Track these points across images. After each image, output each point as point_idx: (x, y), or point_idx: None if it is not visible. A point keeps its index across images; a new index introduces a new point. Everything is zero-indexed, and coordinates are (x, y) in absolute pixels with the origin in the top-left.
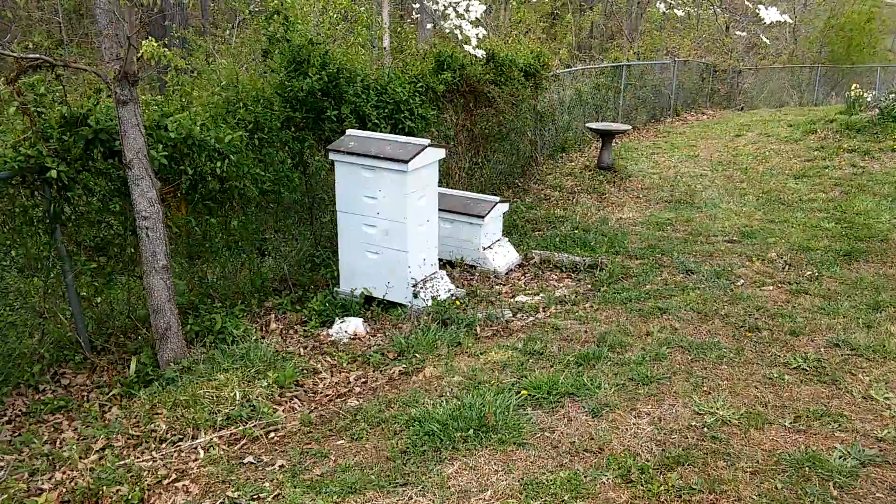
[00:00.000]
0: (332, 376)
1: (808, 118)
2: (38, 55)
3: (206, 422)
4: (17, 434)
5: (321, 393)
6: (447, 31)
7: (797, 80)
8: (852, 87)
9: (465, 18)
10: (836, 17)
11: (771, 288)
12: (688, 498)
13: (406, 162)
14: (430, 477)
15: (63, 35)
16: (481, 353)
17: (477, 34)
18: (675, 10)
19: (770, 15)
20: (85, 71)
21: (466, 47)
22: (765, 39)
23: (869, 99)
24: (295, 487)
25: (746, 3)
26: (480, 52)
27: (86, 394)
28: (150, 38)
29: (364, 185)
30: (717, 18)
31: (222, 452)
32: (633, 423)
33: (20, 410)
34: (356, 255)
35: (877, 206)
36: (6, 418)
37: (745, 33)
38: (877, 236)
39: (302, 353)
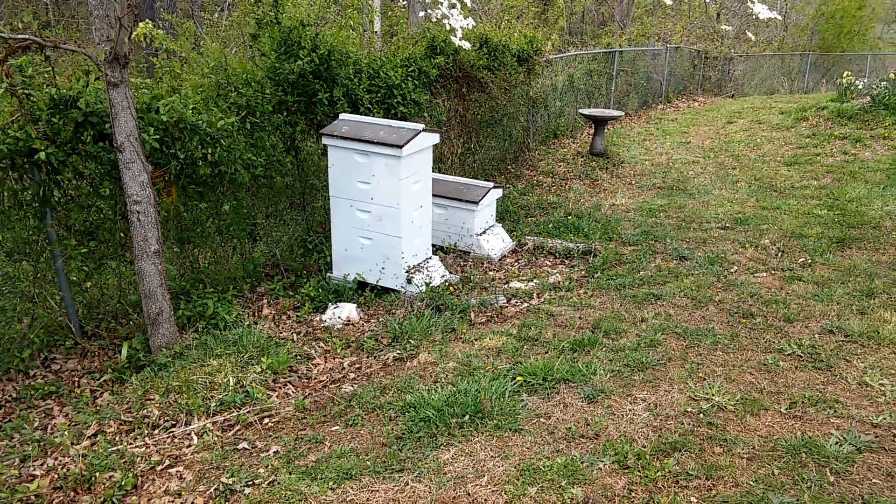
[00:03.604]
0: (325, 362)
1: (800, 105)
2: (27, 36)
3: (200, 408)
4: (7, 420)
5: (315, 379)
6: (433, 20)
7: (788, 68)
8: (844, 75)
9: (455, 7)
10: (827, 5)
11: (764, 274)
12: (685, 484)
13: (400, 147)
14: (426, 463)
15: (50, 16)
16: (476, 339)
17: (464, 26)
18: None
19: (762, 12)
20: (75, 52)
21: (453, 38)
22: (750, 35)
23: (860, 86)
24: (290, 473)
25: None
26: (466, 44)
27: (77, 379)
28: (138, 20)
29: (357, 170)
30: (706, 9)
31: (216, 438)
32: (629, 409)
33: (10, 396)
34: (349, 241)
35: (869, 193)
36: None
37: (731, 27)
38: (869, 223)
39: (295, 339)
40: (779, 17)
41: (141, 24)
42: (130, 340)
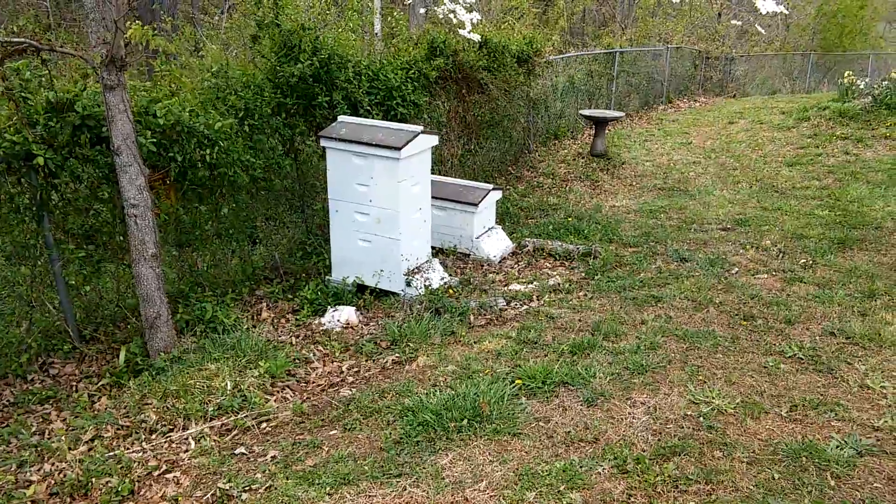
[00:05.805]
0: (324, 366)
1: (801, 105)
2: (23, 39)
3: (197, 412)
4: (4, 425)
5: (313, 383)
6: (440, 16)
7: (789, 68)
8: (845, 75)
9: (459, 3)
10: (829, 4)
11: (765, 276)
12: (684, 488)
13: (398, 149)
14: (424, 467)
15: (50, 20)
16: (475, 342)
17: (471, 19)
18: None
19: (766, 5)
20: (71, 56)
21: (462, 32)
22: (760, 29)
23: (862, 86)
24: (287, 478)
25: None
26: (476, 37)
27: (74, 384)
28: (138, 22)
29: (356, 173)
30: (710, 6)
31: (213, 443)
32: (629, 413)
33: (8, 401)
34: (348, 243)
35: (870, 193)
36: None
37: (739, 22)
38: (870, 224)
39: (294, 343)
40: (785, 11)
41: (135, 27)
42: (128, 344)
